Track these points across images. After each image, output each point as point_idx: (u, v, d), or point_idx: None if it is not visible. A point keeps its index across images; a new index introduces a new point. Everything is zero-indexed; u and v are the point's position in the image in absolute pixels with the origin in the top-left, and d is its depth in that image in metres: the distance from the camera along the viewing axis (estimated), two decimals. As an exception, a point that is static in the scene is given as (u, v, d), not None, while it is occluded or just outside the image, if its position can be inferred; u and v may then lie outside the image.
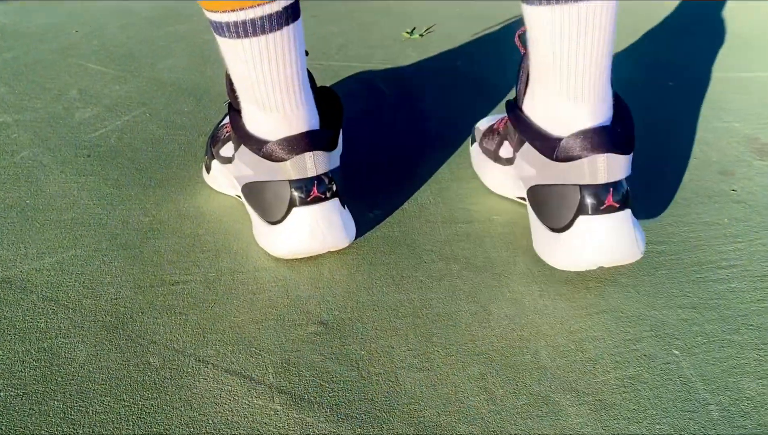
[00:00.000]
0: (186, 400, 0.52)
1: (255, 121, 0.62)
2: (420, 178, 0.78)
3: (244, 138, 0.63)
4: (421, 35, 1.18)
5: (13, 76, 1.01)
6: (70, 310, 0.60)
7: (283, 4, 0.57)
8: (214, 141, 0.74)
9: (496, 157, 0.72)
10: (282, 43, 0.58)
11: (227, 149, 0.70)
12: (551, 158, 0.58)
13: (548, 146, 0.59)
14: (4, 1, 1.30)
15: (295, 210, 0.61)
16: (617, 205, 0.57)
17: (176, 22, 1.23)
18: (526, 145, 0.62)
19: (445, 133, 0.88)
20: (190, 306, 0.60)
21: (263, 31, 0.57)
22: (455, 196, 0.75)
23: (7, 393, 0.52)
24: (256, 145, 0.62)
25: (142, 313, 0.60)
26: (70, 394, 0.52)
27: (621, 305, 0.61)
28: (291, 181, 0.61)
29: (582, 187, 0.57)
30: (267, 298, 0.61)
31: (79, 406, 0.51)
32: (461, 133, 0.87)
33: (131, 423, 0.50)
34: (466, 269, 0.64)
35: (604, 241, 0.57)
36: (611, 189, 0.57)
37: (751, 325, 0.58)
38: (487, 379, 0.53)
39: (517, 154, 0.64)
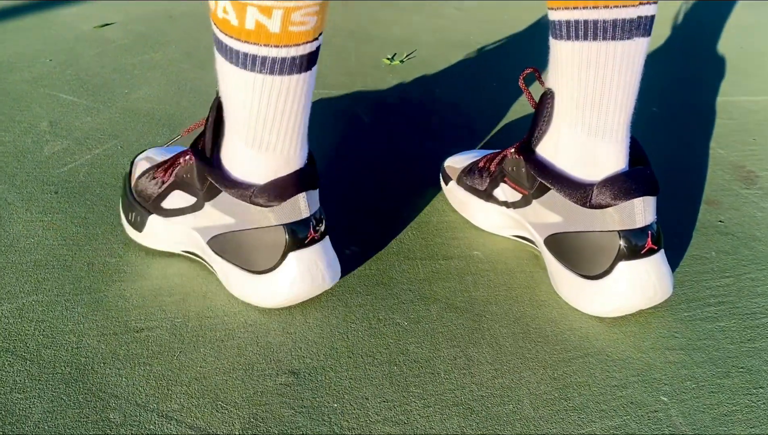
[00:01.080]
0: (146, 461, 0.48)
1: (241, 164, 0.58)
2: (398, 211, 0.76)
3: (225, 185, 0.58)
4: (401, 61, 1.16)
5: (-19, 108, 0.98)
6: (28, 362, 0.56)
7: (317, 43, 0.55)
8: (144, 195, 0.67)
9: (488, 197, 0.70)
10: (308, 82, 0.56)
11: (175, 200, 0.65)
12: (583, 205, 0.57)
13: (579, 193, 0.57)
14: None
15: (291, 255, 0.58)
16: (656, 248, 0.57)
17: (151, 49, 1.21)
18: (551, 192, 0.60)
19: (423, 165, 0.85)
20: (155, 355, 0.57)
21: (299, 70, 0.54)
22: (434, 230, 0.73)
23: (-45, 456, 0.48)
24: (243, 190, 0.58)
25: (104, 363, 0.56)
26: (22, 457, 0.49)
27: (606, 347, 0.58)
28: (285, 225, 0.57)
29: (621, 232, 0.56)
30: (235, 345, 0.58)
31: (32, 469, 0.48)
32: (439, 163, 0.85)
33: (86, 488, 0.47)
34: (446, 310, 0.62)
35: (647, 284, 0.57)
36: (648, 232, 0.56)
37: (742, 368, 0.56)
38: (466, 432, 0.51)
39: (536, 201, 0.62)
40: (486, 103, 1.02)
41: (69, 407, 0.52)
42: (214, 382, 0.55)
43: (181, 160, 0.65)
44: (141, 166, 0.71)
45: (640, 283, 0.57)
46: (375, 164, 0.86)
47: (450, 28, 1.34)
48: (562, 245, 0.60)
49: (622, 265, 0.56)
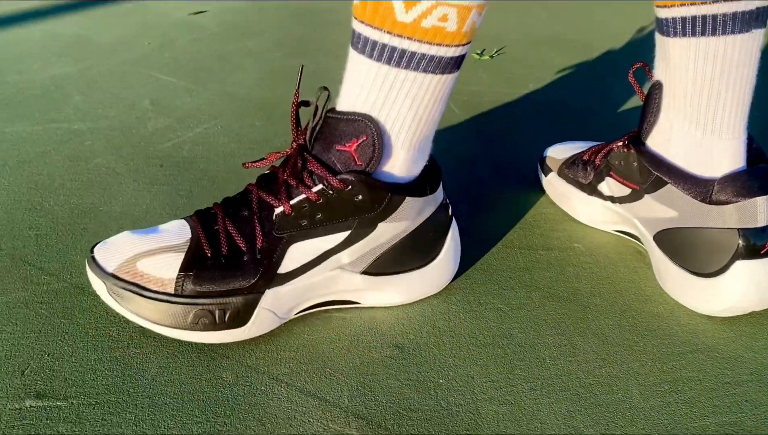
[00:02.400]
0: (259, 419, 0.50)
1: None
2: (494, 202, 0.76)
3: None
4: (491, 56, 1.16)
5: (86, 86, 1.03)
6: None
7: None
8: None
9: (592, 191, 0.69)
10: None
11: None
12: (702, 201, 0.56)
13: (699, 189, 0.56)
14: (78, 12, 1.34)
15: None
16: None
17: (244, 37, 1.24)
18: (667, 187, 0.59)
19: (518, 158, 0.85)
20: (263, 322, 0.59)
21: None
22: (532, 221, 0.73)
23: (80, 401, 0.51)
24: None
25: (213, 326, 0.58)
26: (142, 407, 0.51)
27: (717, 345, 0.57)
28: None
29: (740, 231, 0.55)
30: (340, 317, 0.59)
31: (152, 419, 0.50)
32: (533, 158, 0.85)
33: (204, 440, 0.48)
34: (548, 299, 0.62)
35: (764, 285, 0.55)
36: None
37: None
38: (575, 417, 0.50)
39: (649, 196, 0.61)
40: (577, 99, 1.01)
41: (183, 364, 0.54)
42: (321, 350, 0.56)
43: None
44: None
45: (756, 284, 0.55)
46: (470, 155, 0.86)
47: (538, 26, 1.33)
48: (674, 241, 0.59)
49: (739, 265, 0.55)
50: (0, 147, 0.85)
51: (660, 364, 0.55)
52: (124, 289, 0.53)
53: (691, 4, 0.55)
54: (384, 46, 0.50)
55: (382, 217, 0.55)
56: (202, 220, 0.55)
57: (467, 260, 0.66)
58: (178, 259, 0.53)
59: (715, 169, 0.57)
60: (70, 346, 0.56)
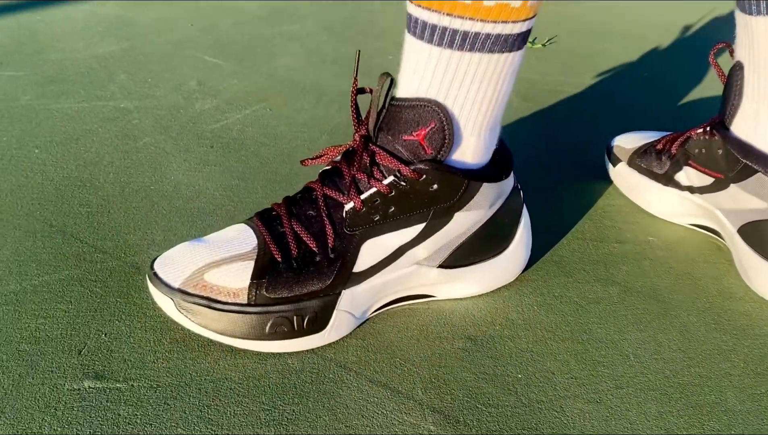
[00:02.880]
0: (330, 408, 0.47)
1: None
2: (562, 193, 0.73)
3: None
4: (543, 45, 1.13)
5: (131, 65, 1.01)
6: (201, 302, 0.56)
7: None
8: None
9: (668, 181, 0.65)
10: None
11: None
12: None
13: None
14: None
15: None
16: None
17: (289, 22, 1.22)
18: (757, 176, 0.55)
19: (580, 147, 0.82)
20: (326, 308, 0.56)
21: None
22: (602, 213, 0.69)
23: (140, 384, 0.48)
24: None
25: (275, 311, 0.55)
26: (206, 392, 0.48)
27: (811, 348, 0.53)
28: None
29: None
30: (407, 307, 0.56)
31: (216, 405, 0.47)
32: (596, 147, 0.81)
33: (272, 429, 0.45)
34: (626, 293, 0.58)
35: None
36: None
37: None
38: (667, 419, 0.47)
39: (736, 185, 0.58)
40: (636, 90, 0.97)
41: (248, 348, 0.52)
42: (389, 339, 0.53)
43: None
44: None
45: None
46: (530, 143, 0.83)
47: (587, 16, 1.29)
48: (763, 234, 0.56)
49: None
50: (46, 123, 0.83)
51: (753, 365, 0.51)
52: (194, 303, 0.49)
53: None
54: (445, 29, 0.46)
55: (459, 206, 0.51)
56: (266, 223, 0.52)
57: (537, 251, 0.63)
58: (247, 267, 0.50)
59: None
60: (128, 326, 0.53)
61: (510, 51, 0.48)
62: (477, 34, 0.46)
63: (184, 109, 0.88)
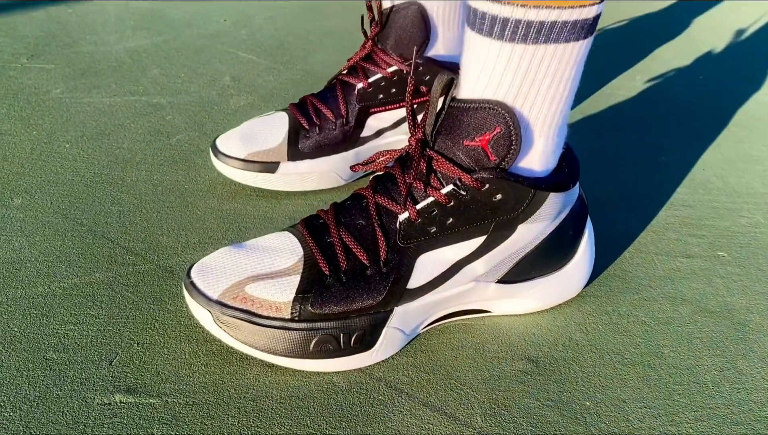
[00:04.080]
0: (380, 434, 0.43)
1: None
2: (616, 200, 0.68)
3: None
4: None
5: (164, 59, 0.98)
6: (239, 311, 0.52)
7: None
8: None
9: None
10: None
11: None
12: None
13: None
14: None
15: None
16: None
17: (323, 17, 1.18)
18: None
19: (635, 151, 0.77)
20: (373, 321, 0.52)
21: None
22: (665, 223, 0.64)
23: (175, 400, 0.45)
24: None
25: (318, 323, 0.51)
26: (245, 411, 0.44)
27: None
28: None
29: None
30: (460, 322, 0.52)
31: (256, 426, 0.43)
32: (653, 152, 0.76)
33: (319, 456, 0.41)
34: (698, 313, 0.53)
35: None
36: None
37: None
38: (756, 457, 0.42)
39: None
40: (690, 92, 0.92)
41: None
42: (443, 358, 0.49)
43: None
44: None
45: None
46: (583, 147, 0.78)
47: (630, 11, 1.24)
48: None
49: None
50: (77, 117, 0.80)
51: None
52: (233, 316, 0.45)
53: None
54: (518, 22, 0.42)
55: (523, 217, 0.47)
56: (312, 232, 0.48)
57: (599, 265, 0.58)
58: (292, 280, 0.46)
59: None
60: (161, 335, 0.50)
61: (585, 38, 0.44)
62: (554, 23, 0.42)
63: (218, 105, 0.85)
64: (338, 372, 0.47)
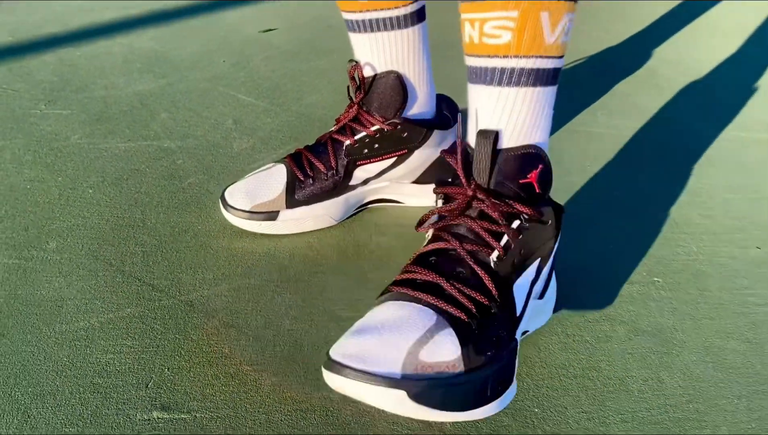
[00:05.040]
0: (369, 440, 0.53)
1: None
2: (570, 232, 0.79)
3: None
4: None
5: (170, 103, 1.08)
6: (251, 338, 0.63)
7: None
8: None
9: None
10: None
11: None
12: None
13: None
14: (153, 28, 1.39)
15: None
16: None
17: (316, 57, 1.29)
18: None
19: (601, 186, 0.88)
20: (362, 345, 0.62)
21: None
22: (612, 253, 0.75)
23: (202, 415, 0.55)
24: None
25: (316, 347, 0.62)
26: (259, 423, 0.55)
27: (800, 386, 0.59)
28: None
29: None
30: (435, 344, 0.63)
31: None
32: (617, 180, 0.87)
33: (320, 457, 0.52)
34: (633, 333, 0.64)
35: None
36: None
37: None
38: (667, 450, 0.53)
39: None
40: (651, 129, 1.03)
41: (294, 382, 0.58)
42: (420, 376, 0.59)
43: None
44: None
45: None
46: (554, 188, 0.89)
47: (593, 48, 1.35)
48: None
49: None
50: (97, 163, 0.90)
51: (746, 401, 0.57)
52: (427, 389, 0.45)
53: None
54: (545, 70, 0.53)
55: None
56: (434, 294, 0.50)
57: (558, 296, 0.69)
58: (448, 336, 0.48)
59: None
60: (187, 361, 0.60)
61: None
62: (557, 69, 0.54)
63: (223, 148, 0.95)
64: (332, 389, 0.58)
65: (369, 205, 0.81)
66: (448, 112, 0.81)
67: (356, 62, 0.75)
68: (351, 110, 0.76)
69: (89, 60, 1.23)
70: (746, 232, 0.79)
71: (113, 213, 0.80)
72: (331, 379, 0.46)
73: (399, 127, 0.75)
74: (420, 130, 0.76)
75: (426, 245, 0.54)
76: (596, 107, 1.10)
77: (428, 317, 0.48)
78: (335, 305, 0.67)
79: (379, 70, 0.74)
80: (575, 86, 1.17)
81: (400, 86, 0.74)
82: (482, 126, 0.55)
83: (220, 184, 0.87)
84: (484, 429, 0.55)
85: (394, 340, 0.47)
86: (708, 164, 0.94)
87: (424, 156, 0.78)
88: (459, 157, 0.54)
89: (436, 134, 0.77)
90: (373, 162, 0.77)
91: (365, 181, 0.78)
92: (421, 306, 0.49)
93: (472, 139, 0.56)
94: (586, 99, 1.13)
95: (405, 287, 0.51)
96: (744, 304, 0.68)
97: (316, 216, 0.76)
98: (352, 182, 0.77)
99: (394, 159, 0.77)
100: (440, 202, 0.57)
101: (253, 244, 0.75)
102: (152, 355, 0.61)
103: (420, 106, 0.77)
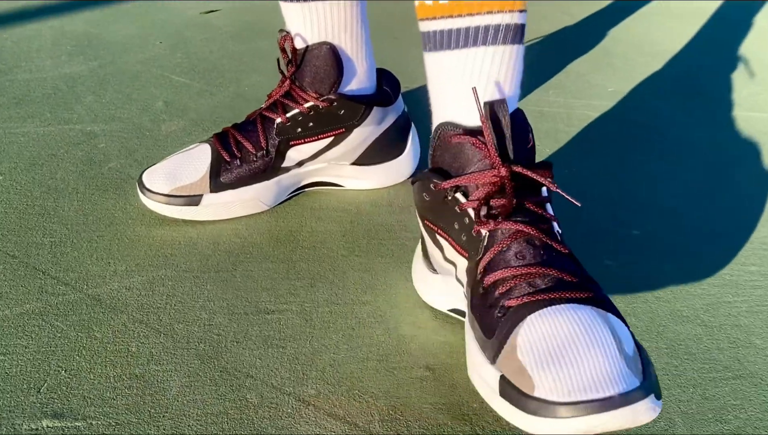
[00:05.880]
0: (287, 444, 0.48)
1: None
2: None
3: None
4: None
5: (99, 85, 1.01)
6: (162, 335, 0.57)
7: None
8: None
9: None
10: None
11: None
12: None
13: None
14: (89, 10, 1.31)
15: None
16: None
17: (258, 38, 1.22)
18: None
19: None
20: (287, 338, 0.57)
21: None
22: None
23: (99, 422, 0.49)
24: None
25: (236, 342, 0.56)
26: (164, 429, 0.48)
27: (759, 371, 0.55)
28: None
29: None
30: (367, 335, 0.57)
31: (174, 442, 0.47)
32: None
33: (230, 466, 0.46)
34: (581, 318, 0.59)
35: None
36: None
37: None
38: (617, 446, 0.48)
39: None
40: (606, 107, 0.99)
41: (206, 383, 0.52)
42: (348, 370, 0.54)
43: None
44: None
45: None
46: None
47: (551, 29, 1.31)
48: None
49: None
50: (11, 148, 0.83)
51: (702, 390, 0.53)
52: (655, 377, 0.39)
53: None
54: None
55: None
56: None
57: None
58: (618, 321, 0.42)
59: None
60: (88, 362, 0.54)
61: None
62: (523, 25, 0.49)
63: (150, 131, 0.88)
64: (251, 389, 0.52)
65: (305, 189, 0.75)
66: (389, 88, 0.75)
67: (286, 32, 0.68)
68: (283, 85, 0.69)
69: (16, 42, 1.15)
70: (702, 210, 0.75)
71: (23, 201, 0.73)
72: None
73: (335, 103, 0.69)
74: (358, 107, 0.70)
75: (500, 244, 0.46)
76: (549, 86, 1.05)
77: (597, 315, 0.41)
78: (259, 297, 0.61)
79: (311, 41, 0.68)
80: (529, 66, 1.12)
81: (334, 59, 0.67)
82: (488, 96, 0.49)
83: (142, 168, 0.80)
84: (416, 428, 0.49)
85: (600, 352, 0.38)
86: (660, 141, 0.90)
87: (363, 135, 0.72)
88: (489, 136, 0.46)
89: (376, 111, 0.71)
90: (308, 142, 0.70)
91: (300, 163, 0.72)
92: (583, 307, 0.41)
93: (441, 118, 0.51)
94: (540, 78, 1.09)
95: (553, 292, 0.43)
96: (697, 286, 0.64)
97: (244, 200, 0.69)
98: (285, 164, 0.71)
99: (330, 138, 0.71)
100: (459, 196, 0.49)
101: (174, 233, 0.69)
102: (48, 356, 0.54)
103: (358, 81, 0.71)
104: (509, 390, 0.39)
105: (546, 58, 1.16)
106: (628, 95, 1.04)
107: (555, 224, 0.48)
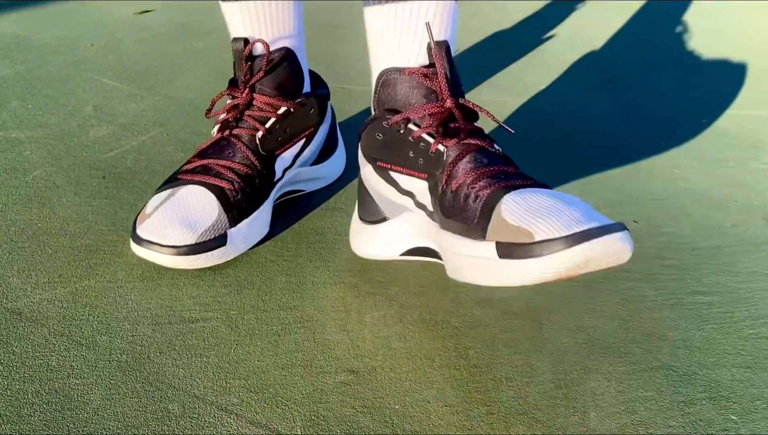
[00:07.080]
0: (208, 454, 0.48)
1: None
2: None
3: None
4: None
5: (26, 90, 0.98)
6: (84, 347, 0.56)
7: None
8: None
9: None
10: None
11: None
12: None
13: None
14: (17, 11, 1.27)
15: None
16: None
17: (193, 38, 1.21)
18: None
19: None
20: (211, 347, 0.56)
21: None
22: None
23: (14, 440, 0.48)
24: None
25: (160, 353, 0.56)
26: (82, 444, 0.48)
27: (671, 362, 0.57)
28: None
29: None
30: (292, 341, 0.57)
31: (92, 457, 0.47)
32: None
33: (149, 479, 0.46)
34: (504, 316, 0.61)
35: None
36: None
37: (811, 390, 0.55)
38: (532, 441, 0.50)
39: None
40: (538, 105, 1.00)
41: (127, 395, 0.52)
42: (272, 377, 0.54)
43: None
44: None
45: None
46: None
47: (488, 28, 1.33)
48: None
49: None
50: (-71, 158, 0.80)
51: (616, 383, 0.55)
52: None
53: None
54: None
55: None
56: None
57: (424, 277, 0.65)
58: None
59: None
60: (5, 377, 0.52)
61: None
62: None
63: (77, 137, 0.86)
64: (174, 399, 0.51)
65: (276, 201, 0.73)
66: (317, 82, 0.76)
67: (244, 40, 0.64)
68: (241, 96, 0.65)
69: (-64, 45, 1.11)
70: (625, 206, 0.78)
71: (-60, 213, 0.70)
72: None
73: (305, 104, 0.69)
74: (324, 103, 0.72)
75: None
76: (483, 85, 1.07)
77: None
78: (184, 306, 0.60)
79: (270, 44, 0.66)
80: (465, 65, 1.14)
81: (296, 61, 0.68)
82: (436, 37, 0.55)
83: (68, 176, 0.78)
84: (338, 433, 0.50)
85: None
86: (594, 133, 0.92)
87: (324, 131, 0.74)
88: (441, 67, 0.53)
89: (329, 105, 0.74)
90: (287, 148, 0.70)
91: (283, 172, 0.70)
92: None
93: (382, 65, 0.56)
94: (475, 78, 1.10)
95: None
96: (615, 281, 0.66)
97: (259, 226, 0.67)
98: (276, 177, 0.69)
99: (303, 140, 0.71)
100: (412, 126, 0.55)
101: (99, 242, 0.67)
102: (-37, 374, 0.52)
103: (306, 79, 0.71)
104: (509, 248, 0.44)
105: (481, 57, 1.17)
106: (560, 91, 1.06)
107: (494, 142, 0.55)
